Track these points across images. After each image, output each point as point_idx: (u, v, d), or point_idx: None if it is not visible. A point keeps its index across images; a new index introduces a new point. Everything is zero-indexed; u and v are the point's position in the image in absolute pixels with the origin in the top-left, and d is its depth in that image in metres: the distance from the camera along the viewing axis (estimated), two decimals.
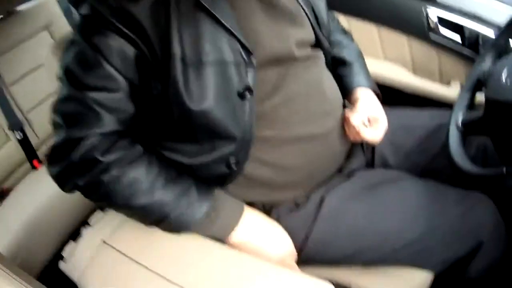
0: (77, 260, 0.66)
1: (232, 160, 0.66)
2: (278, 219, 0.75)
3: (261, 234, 0.69)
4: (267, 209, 0.76)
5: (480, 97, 0.78)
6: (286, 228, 0.74)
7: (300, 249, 0.74)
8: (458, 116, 0.76)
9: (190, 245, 0.65)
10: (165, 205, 0.62)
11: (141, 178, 0.61)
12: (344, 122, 0.79)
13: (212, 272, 0.61)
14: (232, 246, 0.68)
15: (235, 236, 0.67)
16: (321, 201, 0.74)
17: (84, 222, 0.72)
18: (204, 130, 0.64)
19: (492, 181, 0.71)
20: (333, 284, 0.74)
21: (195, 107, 0.61)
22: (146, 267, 0.62)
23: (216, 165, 0.67)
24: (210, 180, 0.68)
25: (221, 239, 0.67)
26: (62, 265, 0.68)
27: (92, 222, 0.71)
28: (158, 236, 0.65)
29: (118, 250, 0.65)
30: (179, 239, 0.65)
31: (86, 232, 0.70)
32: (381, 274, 0.74)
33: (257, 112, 0.65)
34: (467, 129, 0.75)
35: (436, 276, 0.74)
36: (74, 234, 0.70)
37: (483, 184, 0.76)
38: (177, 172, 0.65)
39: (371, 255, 0.73)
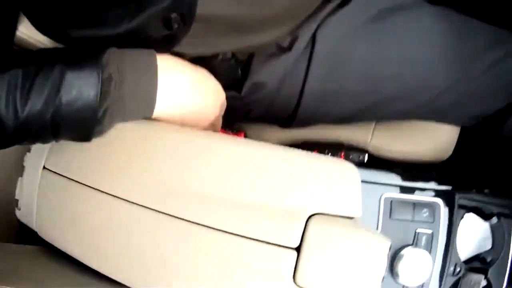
0: (27, 201, 0.50)
1: (174, 18, 0.46)
2: (258, 71, 0.57)
3: (190, 88, 0.52)
4: (241, 60, 0.58)
5: None
6: (273, 81, 0.57)
7: (295, 107, 0.59)
8: None
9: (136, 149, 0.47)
10: (43, 115, 0.44)
11: None
12: None
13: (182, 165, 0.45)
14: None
15: (159, 104, 0.49)
16: (313, 39, 0.56)
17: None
18: None
19: None
20: (345, 146, 0.61)
21: None
22: (91, 187, 0.47)
23: (151, 30, 0.47)
24: (149, 47, 0.49)
25: (146, 116, 0.49)
26: (18, 214, 0.53)
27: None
28: (95, 145, 0.47)
29: (59, 174, 0.48)
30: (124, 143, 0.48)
31: (27, 161, 0.53)
32: (400, 130, 0.61)
33: None
34: None
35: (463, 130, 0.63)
36: None
37: None
38: (38, 65, 0.44)
39: (386, 110, 0.59)
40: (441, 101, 0.58)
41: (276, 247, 0.41)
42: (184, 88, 0.51)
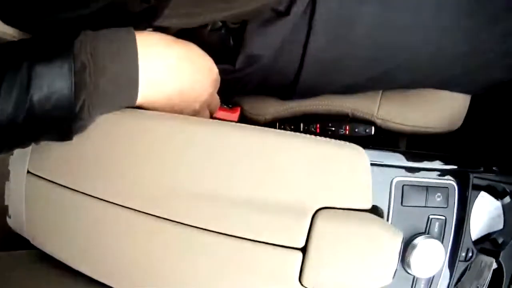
0: (15, 209, 0.47)
1: None
2: (253, 41, 0.52)
3: (177, 66, 0.47)
4: (233, 29, 0.52)
5: None
6: (270, 51, 0.52)
7: (296, 78, 0.54)
8: None
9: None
10: (15, 120, 0.39)
11: None
12: None
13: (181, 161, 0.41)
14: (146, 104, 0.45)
15: (143, 89, 0.44)
16: (313, 2, 0.51)
17: None
18: None
19: None
20: (350, 117, 0.57)
21: None
22: (76, 190, 0.43)
23: (127, 5, 0.42)
24: (128, 24, 0.44)
25: (130, 104, 0.44)
26: (9, 222, 0.50)
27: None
28: (77, 143, 0.43)
29: (44, 178, 0.44)
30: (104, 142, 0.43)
31: (11, 165, 0.49)
32: (408, 99, 0.56)
33: None
34: None
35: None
36: None
37: None
38: (2, 65, 0.39)
39: (395, 80, 0.55)
40: (454, 70, 0.54)
41: (280, 249, 0.39)
42: (170, 67, 0.46)
